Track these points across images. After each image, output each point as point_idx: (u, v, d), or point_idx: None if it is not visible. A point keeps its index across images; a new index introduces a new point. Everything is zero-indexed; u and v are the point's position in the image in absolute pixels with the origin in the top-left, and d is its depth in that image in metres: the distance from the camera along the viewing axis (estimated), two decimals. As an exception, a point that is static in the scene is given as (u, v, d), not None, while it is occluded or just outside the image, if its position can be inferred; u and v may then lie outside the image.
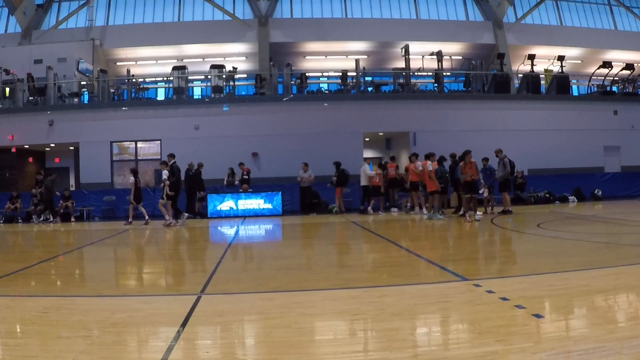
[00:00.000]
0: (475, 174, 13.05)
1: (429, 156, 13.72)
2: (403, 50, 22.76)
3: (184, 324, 4.01)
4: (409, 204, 16.07)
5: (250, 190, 16.56)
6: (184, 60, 23.92)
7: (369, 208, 15.54)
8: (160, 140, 18.48)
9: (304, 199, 16.46)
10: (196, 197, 16.10)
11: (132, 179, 14.48)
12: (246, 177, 16.64)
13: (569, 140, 19.21)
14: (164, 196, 13.71)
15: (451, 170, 14.57)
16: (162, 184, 13.79)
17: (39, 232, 13.78)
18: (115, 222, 15.35)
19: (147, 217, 14.42)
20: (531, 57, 21.45)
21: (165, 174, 13.70)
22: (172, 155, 14.06)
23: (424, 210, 14.61)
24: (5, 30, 25.75)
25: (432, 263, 6.80)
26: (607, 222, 11.83)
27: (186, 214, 14.22)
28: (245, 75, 25.21)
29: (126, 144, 19.23)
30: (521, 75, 21.90)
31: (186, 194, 16.07)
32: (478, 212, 12.96)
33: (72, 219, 16.36)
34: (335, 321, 4.22)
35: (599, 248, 7.79)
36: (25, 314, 4.52)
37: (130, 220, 14.42)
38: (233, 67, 21.95)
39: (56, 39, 23.42)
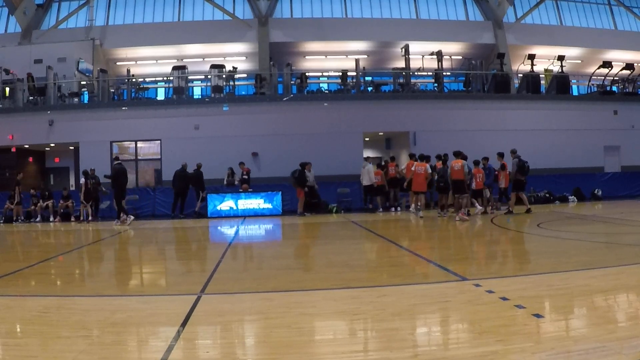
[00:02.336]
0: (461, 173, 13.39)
1: (424, 158, 14.37)
2: (403, 50, 22.74)
3: (184, 324, 4.01)
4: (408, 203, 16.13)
5: (250, 190, 16.56)
6: (184, 60, 23.88)
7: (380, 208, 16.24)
8: (160, 140, 18.48)
9: (307, 198, 16.36)
10: (181, 198, 16.26)
11: (82, 180, 15.21)
12: (246, 177, 16.64)
13: (569, 140, 19.19)
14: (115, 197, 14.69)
15: None
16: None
17: (39, 233, 13.77)
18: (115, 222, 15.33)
19: (89, 217, 15.53)
20: (531, 57, 21.43)
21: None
22: (116, 158, 14.96)
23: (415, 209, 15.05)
24: (5, 30, 25.74)
25: (432, 263, 6.80)
26: (607, 222, 11.83)
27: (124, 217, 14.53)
28: (245, 75, 25.19)
29: (126, 143, 19.22)
30: (521, 75, 21.87)
31: (174, 194, 16.24)
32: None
33: (72, 219, 16.35)
34: (335, 321, 4.22)
35: (599, 248, 7.79)
36: (25, 314, 4.52)
37: (88, 219, 15.43)
38: (233, 67, 21.93)
39: (56, 39, 23.41)
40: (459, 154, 13.26)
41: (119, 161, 14.61)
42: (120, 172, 14.22)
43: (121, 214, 14.08)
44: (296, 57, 25.80)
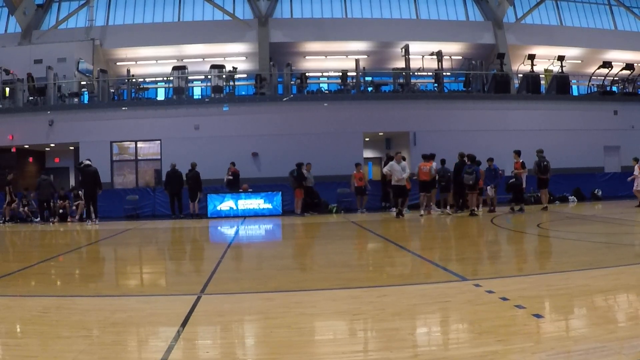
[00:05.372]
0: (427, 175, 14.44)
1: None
2: (403, 50, 22.73)
3: (184, 324, 4.01)
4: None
5: (250, 190, 16.56)
6: (184, 60, 23.89)
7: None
8: (160, 140, 18.47)
9: (307, 198, 16.35)
10: (177, 198, 16.24)
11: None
12: (230, 177, 16.57)
13: (569, 140, 19.15)
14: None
15: (457, 169, 14.55)
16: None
17: (38, 232, 13.76)
18: (115, 222, 15.34)
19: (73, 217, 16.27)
20: (531, 57, 21.42)
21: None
22: (82, 161, 15.38)
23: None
24: (5, 30, 25.72)
25: (432, 263, 6.80)
26: (607, 222, 11.83)
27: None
28: (245, 75, 25.19)
29: (126, 144, 19.22)
30: (521, 75, 21.86)
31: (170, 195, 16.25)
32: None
33: (70, 219, 16.35)
34: (335, 321, 4.22)
35: (599, 248, 7.78)
36: (25, 314, 4.52)
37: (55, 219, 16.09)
38: (233, 67, 21.93)
39: (56, 39, 23.39)
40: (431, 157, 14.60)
41: (88, 163, 14.95)
42: (85, 174, 14.76)
43: (91, 214, 14.82)
44: (296, 57, 25.79)
